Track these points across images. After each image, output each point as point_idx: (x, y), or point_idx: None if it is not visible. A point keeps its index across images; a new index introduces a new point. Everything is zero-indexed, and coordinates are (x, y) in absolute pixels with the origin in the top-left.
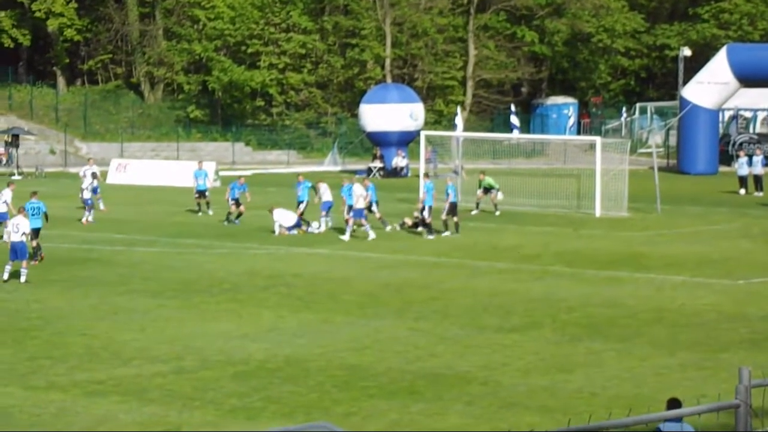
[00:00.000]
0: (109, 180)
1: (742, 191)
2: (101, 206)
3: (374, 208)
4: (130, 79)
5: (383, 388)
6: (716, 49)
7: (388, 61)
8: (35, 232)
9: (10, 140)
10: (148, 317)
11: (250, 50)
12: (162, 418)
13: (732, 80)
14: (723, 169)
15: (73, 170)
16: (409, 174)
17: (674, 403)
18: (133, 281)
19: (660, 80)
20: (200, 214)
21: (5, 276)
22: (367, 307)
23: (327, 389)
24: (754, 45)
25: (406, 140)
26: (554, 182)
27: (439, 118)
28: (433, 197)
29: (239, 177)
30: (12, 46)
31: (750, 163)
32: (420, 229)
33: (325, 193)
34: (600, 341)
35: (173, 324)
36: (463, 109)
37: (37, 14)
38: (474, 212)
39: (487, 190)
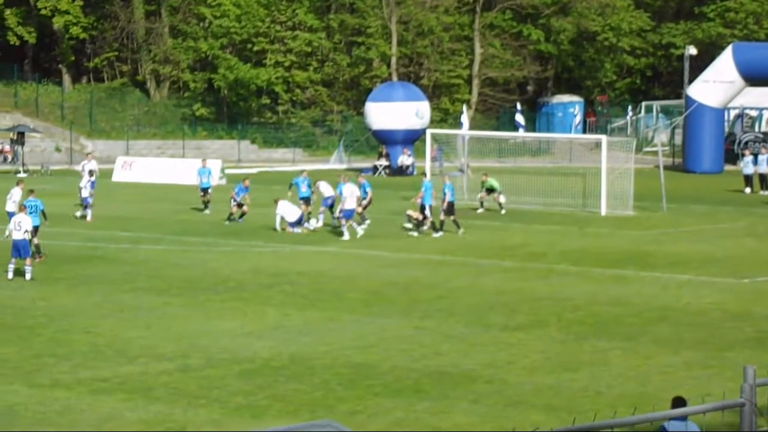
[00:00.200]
0: (115, 178)
1: (748, 190)
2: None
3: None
4: (136, 77)
5: (388, 387)
6: (722, 48)
7: (393, 60)
8: (34, 230)
9: (15, 138)
10: (153, 315)
11: (255, 48)
12: (167, 416)
13: (737, 79)
14: (728, 167)
15: (78, 168)
16: (415, 172)
17: (679, 402)
18: (138, 279)
19: (666, 79)
20: (207, 212)
21: (9, 274)
22: (373, 305)
23: (332, 387)
24: (760, 44)
25: (412, 138)
26: (560, 181)
27: (444, 117)
28: (431, 196)
29: (244, 179)
30: (18, 43)
31: (755, 162)
32: (425, 228)
33: (326, 190)
34: (605, 340)
35: (178, 322)
36: (469, 107)
37: (43, 12)
38: (480, 210)
39: (490, 191)
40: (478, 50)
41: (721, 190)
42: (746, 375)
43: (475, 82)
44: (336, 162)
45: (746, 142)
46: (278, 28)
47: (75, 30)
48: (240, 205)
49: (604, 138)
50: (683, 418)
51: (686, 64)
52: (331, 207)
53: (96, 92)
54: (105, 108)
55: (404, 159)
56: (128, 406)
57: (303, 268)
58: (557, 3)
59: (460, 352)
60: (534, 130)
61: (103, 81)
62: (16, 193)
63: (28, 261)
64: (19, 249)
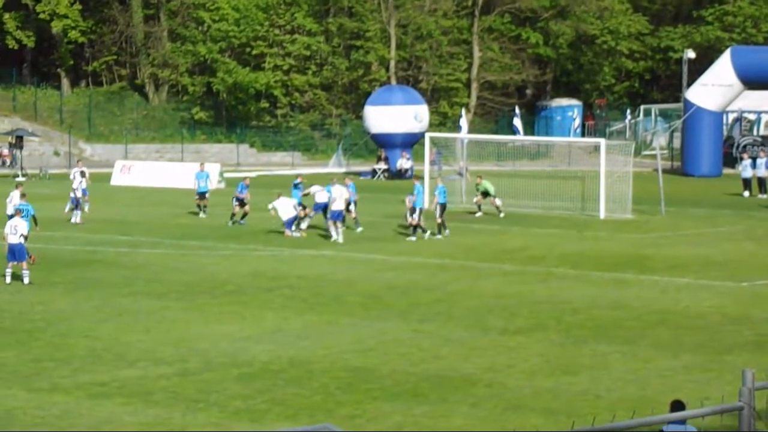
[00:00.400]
0: (114, 181)
1: (746, 193)
2: (86, 208)
3: (351, 207)
4: (135, 81)
5: (387, 390)
6: (720, 52)
7: (392, 63)
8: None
9: (14, 142)
10: (152, 319)
11: (254, 52)
12: (166, 420)
13: (736, 82)
14: (727, 171)
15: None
16: (414, 176)
17: (678, 405)
18: (137, 283)
19: (664, 82)
20: (202, 215)
21: (7, 279)
22: (372, 308)
23: (331, 391)
24: (758, 47)
25: (411, 142)
26: (559, 184)
27: (443, 120)
28: (423, 200)
29: (245, 177)
30: (16, 47)
31: (754, 166)
32: (424, 233)
33: (319, 195)
34: (605, 343)
35: (177, 326)
36: (468, 111)
37: (42, 16)
38: (478, 214)
39: (485, 194)
40: (476, 54)
41: (719, 194)
42: (745, 378)
43: (474, 85)
44: (335, 165)
45: (745, 146)
46: (277, 31)
47: (74, 34)
48: (242, 204)
49: (602, 141)
50: (682, 421)
51: (685, 68)
52: (324, 210)
53: (95, 96)
54: (104, 112)
55: (403, 162)
56: (127, 410)
57: (302, 271)
58: (556, 6)
59: (459, 356)
60: (533, 134)
61: (102, 85)
62: (15, 197)
63: (24, 265)
64: (14, 253)
